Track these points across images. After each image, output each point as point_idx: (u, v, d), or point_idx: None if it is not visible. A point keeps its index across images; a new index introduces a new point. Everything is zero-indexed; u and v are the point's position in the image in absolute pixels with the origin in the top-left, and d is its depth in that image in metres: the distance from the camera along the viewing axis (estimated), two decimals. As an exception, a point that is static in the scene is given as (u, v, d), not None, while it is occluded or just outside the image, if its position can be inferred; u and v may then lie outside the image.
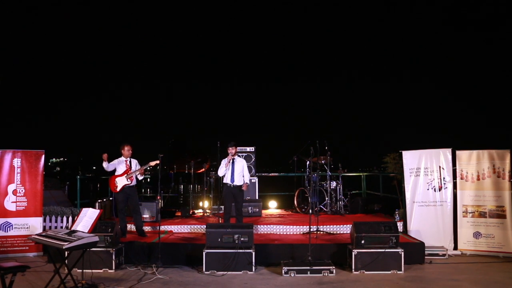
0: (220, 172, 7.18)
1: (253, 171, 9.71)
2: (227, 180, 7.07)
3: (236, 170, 7.06)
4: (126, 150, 7.12)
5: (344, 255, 6.23)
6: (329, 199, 9.07)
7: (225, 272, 5.89)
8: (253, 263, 5.97)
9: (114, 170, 7.13)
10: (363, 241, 6.01)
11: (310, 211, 7.11)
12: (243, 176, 7.10)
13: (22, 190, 7.20)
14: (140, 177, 7.22)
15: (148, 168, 7.10)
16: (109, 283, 5.45)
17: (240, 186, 7.08)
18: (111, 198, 8.42)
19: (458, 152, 7.37)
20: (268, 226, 7.65)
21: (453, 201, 7.23)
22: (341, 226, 7.51)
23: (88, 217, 5.22)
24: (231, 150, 7.09)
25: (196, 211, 9.53)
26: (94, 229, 5.25)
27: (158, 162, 6.83)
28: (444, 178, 7.26)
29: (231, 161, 7.04)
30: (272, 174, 12.56)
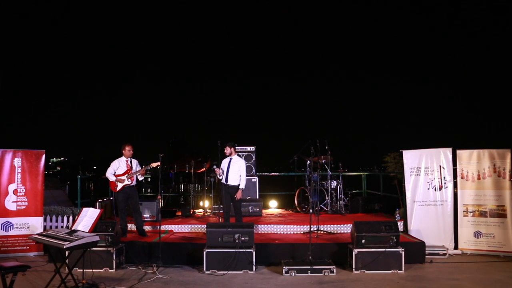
0: (220, 177, 7.25)
1: (254, 170, 9.70)
2: (223, 179, 7.10)
3: (232, 170, 7.05)
4: (127, 150, 7.11)
5: (345, 254, 6.22)
6: (330, 199, 9.06)
7: (226, 272, 5.89)
8: (254, 263, 5.97)
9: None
10: (363, 241, 6.01)
11: (311, 210, 7.10)
12: (239, 176, 7.10)
13: (22, 190, 7.20)
14: (141, 178, 7.23)
15: (149, 168, 7.11)
16: (109, 282, 5.45)
17: (236, 186, 7.06)
18: (111, 198, 8.41)
19: (458, 152, 7.36)
20: (269, 225, 7.66)
21: (453, 201, 7.22)
22: (342, 225, 7.51)
23: (88, 216, 5.23)
24: (226, 151, 7.13)
25: (196, 211, 9.54)
26: (94, 228, 5.26)
27: (159, 163, 6.85)
28: (444, 177, 7.26)
29: (228, 162, 7.10)
30: (273, 173, 12.57)
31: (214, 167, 7.39)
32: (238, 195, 7.06)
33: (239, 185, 7.06)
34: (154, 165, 6.98)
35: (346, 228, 7.41)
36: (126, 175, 7.02)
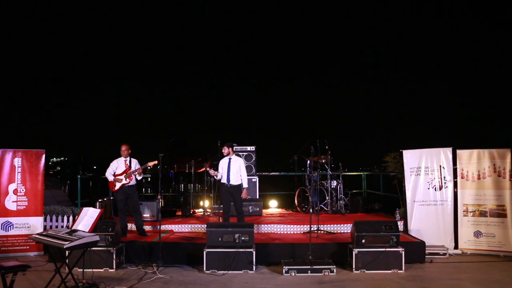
0: (217, 177, 7.25)
1: (254, 170, 9.70)
2: (223, 180, 7.08)
3: (232, 170, 7.05)
4: (124, 150, 7.14)
5: (345, 254, 6.23)
6: (330, 199, 9.06)
7: (226, 272, 5.89)
8: (254, 263, 5.98)
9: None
10: (363, 241, 6.01)
11: (311, 210, 7.10)
12: (240, 176, 7.10)
13: (23, 190, 7.20)
14: (139, 177, 7.24)
15: (148, 168, 7.11)
16: (110, 282, 5.45)
17: (237, 186, 7.06)
18: (111, 198, 8.43)
19: (458, 151, 7.36)
20: (269, 225, 7.66)
21: (453, 200, 7.22)
22: (342, 225, 7.51)
23: (88, 216, 5.23)
24: (224, 151, 7.14)
25: (196, 211, 9.54)
26: (94, 228, 5.26)
27: (156, 162, 6.86)
28: (444, 177, 7.26)
29: (227, 162, 7.08)
30: (273, 173, 12.56)
31: (208, 169, 7.43)
32: (244, 195, 7.10)
33: (241, 184, 7.07)
34: (150, 164, 6.99)
35: (346, 228, 7.41)
36: (124, 174, 7.03)
